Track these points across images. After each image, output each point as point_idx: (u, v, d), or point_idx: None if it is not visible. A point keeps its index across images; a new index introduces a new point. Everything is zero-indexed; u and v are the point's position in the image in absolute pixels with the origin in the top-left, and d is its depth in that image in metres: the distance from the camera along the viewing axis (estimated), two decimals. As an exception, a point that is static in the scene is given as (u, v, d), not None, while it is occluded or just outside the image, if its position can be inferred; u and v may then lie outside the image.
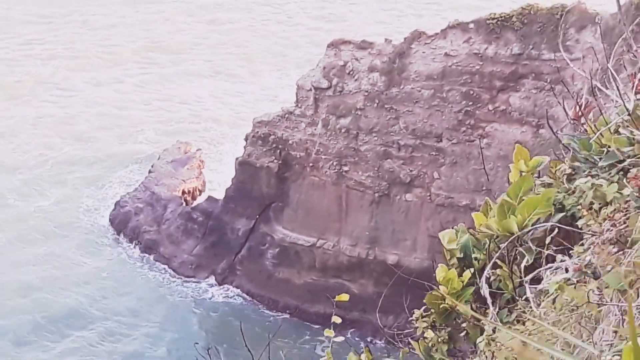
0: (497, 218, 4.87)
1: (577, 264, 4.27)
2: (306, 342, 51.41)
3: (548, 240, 4.70)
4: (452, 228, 5.38)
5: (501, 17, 48.82)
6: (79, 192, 67.29)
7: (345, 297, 5.94)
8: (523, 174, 5.23)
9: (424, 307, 5.17)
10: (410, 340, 5.29)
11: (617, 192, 4.55)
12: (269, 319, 53.38)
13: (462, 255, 5.12)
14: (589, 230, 4.46)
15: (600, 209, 4.56)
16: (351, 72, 51.98)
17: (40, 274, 57.17)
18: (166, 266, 58.53)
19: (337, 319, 6.04)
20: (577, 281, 4.21)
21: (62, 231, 62.22)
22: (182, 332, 52.70)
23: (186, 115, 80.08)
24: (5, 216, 63.34)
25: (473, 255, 5.12)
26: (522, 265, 4.77)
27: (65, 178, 69.11)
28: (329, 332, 5.76)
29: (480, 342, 4.58)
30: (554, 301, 4.28)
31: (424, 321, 5.11)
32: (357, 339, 49.74)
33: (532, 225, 4.80)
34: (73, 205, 65.38)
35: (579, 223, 4.61)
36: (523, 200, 4.84)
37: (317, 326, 51.99)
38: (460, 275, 4.96)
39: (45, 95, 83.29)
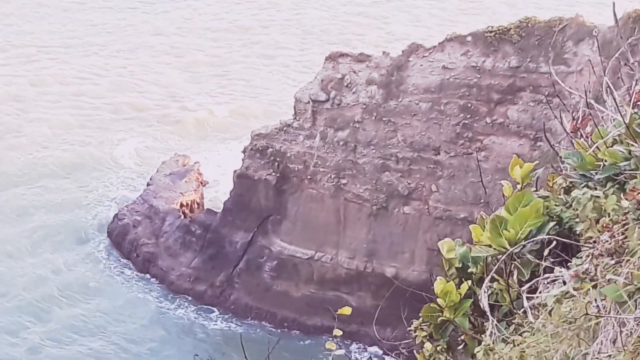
0: (490, 234, 4.88)
1: (574, 272, 4.28)
2: (305, 355, 51.18)
3: (546, 252, 4.71)
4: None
5: (499, 30, 48.93)
6: (76, 196, 67.14)
7: (347, 310, 5.94)
8: (517, 184, 5.26)
9: (421, 319, 5.18)
10: (407, 352, 5.30)
11: (615, 204, 4.56)
12: (268, 335, 52.94)
13: (460, 265, 5.14)
14: (587, 242, 4.47)
15: (597, 221, 4.57)
16: (349, 85, 52.03)
17: (34, 287, 56.94)
18: (163, 284, 58.21)
19: (338, 332, 6.04)
20: (576, 289, 4.22)
21: (58, 242, 61.95)
22: (178, 350, 52.47)
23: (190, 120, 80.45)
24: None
25: (470, 270, 5.13)
26: (519, 279, 4.78)
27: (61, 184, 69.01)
28: (330, 345, 5.75)
29: (478, 351, 4.60)
30: (551, 313, 4.28)
31: (422, 330, 5.11)
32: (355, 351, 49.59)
33: (526, 237, 4.81)
34: (70, 214, 65.16)
35: (577, 234, 4.62)
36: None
37: (309, 340, 51.96)
38: (458, 287, 4.97)
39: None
